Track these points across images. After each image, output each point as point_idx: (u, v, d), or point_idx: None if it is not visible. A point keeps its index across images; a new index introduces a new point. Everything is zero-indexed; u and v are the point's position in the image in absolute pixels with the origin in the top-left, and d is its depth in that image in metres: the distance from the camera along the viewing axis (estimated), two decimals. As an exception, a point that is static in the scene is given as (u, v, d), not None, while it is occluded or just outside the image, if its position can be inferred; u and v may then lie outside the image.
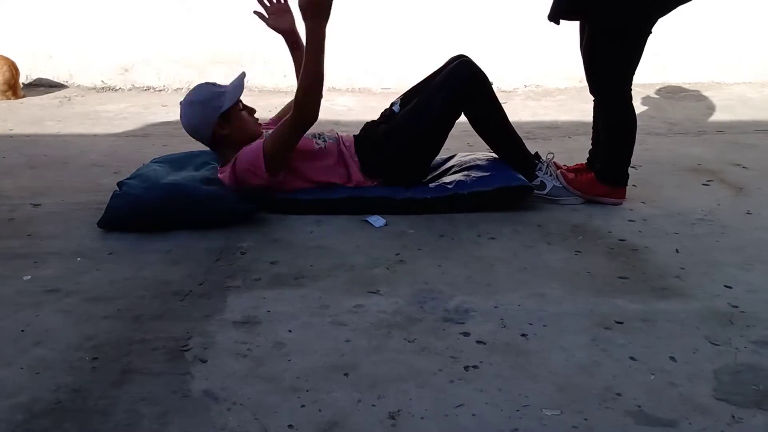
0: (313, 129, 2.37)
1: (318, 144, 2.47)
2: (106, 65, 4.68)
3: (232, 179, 2.36)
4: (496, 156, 2.61)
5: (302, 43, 2.36)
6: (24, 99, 4.34)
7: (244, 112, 2.44)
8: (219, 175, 2.43)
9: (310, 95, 2.23)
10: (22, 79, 4.50)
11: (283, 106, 2.78)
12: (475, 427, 1.31)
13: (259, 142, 2.35)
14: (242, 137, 2.40)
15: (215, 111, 2.36)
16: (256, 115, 2.51)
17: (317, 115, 2.26)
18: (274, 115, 2.81)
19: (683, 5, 2.31)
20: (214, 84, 2.46)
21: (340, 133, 2.60)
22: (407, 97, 2.64)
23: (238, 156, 2.35)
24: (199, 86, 2.44)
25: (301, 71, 2.21)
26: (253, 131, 2.45)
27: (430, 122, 2.45)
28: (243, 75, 2.44)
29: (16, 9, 4.58)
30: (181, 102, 2.43)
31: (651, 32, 2.34)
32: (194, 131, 2.42)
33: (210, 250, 2.09)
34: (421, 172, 2.54)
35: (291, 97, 4.50)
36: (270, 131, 2.43)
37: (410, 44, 4.54)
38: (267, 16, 2.59)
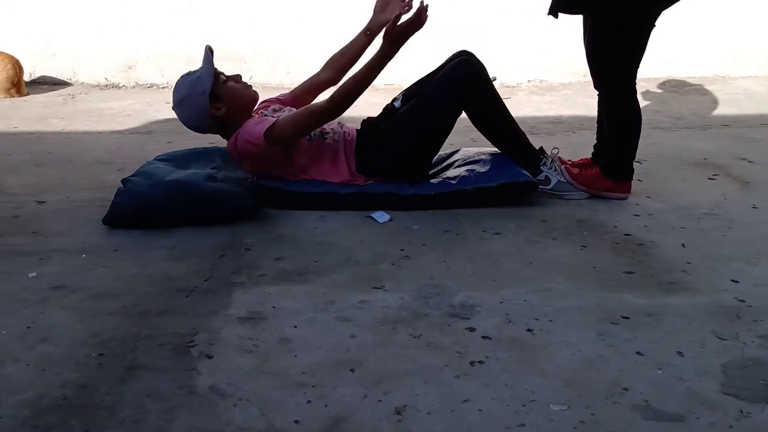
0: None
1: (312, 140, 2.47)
2: (109, 63, 4.68)
3: (233, 148, 2.40)
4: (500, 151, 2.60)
5: (373, 37, 2.55)
6: (28, 97, 4.35)
7: (229, 83, 2.44)
8: (227, 147, 2.48)
9: (351, 97, 2.32)
10: (26, 77, 4.51)
11: (300, 84, 2.76)
12: (482, 423, 1.31)
13: (265, 119, 2.37)
14: (239, 107, 2.42)
15: (203, 97, 2.36)
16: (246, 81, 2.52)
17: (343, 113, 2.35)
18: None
19: None
20: (188, 73, 2.44)
21: (345, 128, 2.58)
22: (408, 93, 2.63)
23: (243, 126, 2.38)
24: (177, 84, 2.44)
25: (356, 76, 2.31)
26: (246, 96, 2.46)
27: (431, 121, 2.44)
28: (207, 48, 2.43)
29: (20, 7, 4.58)
30: (172, 108, 2.45)
31: (654, 25, 2.33)
32: (197, 126, 2.45)
33: (215, 247, 2.09)
34: (422, 171, 2.53)
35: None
36: (273, 107, 2.50)
37: (413, 39, 4.52)
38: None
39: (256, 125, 2.37)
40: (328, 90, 2.58)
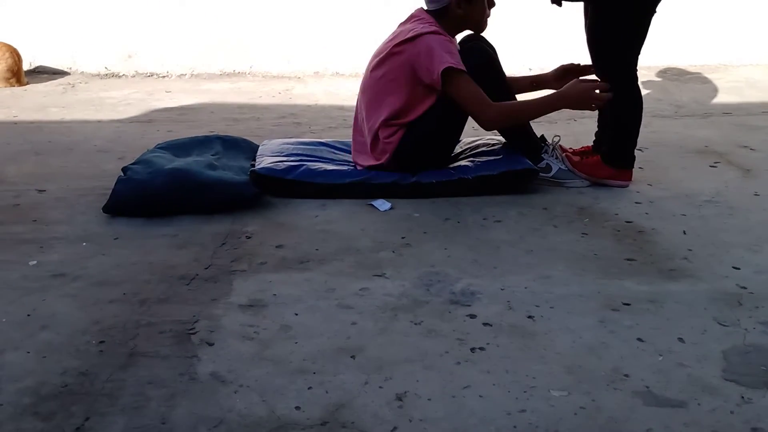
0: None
1: None
2: (109, 52, 4.66)
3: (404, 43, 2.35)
4: (502, 139, 2.60)
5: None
6: (28, 86, 4.33)
7: (485, 1, 2.43)
8: (403, 27, 2.43)
9: (503, 125, 2.46)
10: (26, 66, 4.49)
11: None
12: (482, 409, 1.31)
13: (459, 63, 2.32)
14: (470, 24, 2.44)
15: None
16: None
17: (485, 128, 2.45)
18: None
19: None
20: None
21: None
22: None
23: (439, 41, 2.33)
24: None
25: (523, 111, 2.43)
26: (480, 23, 2.46)
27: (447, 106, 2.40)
28: None
29: (19, -4, 4.56)
30: None
31: (655, 12, 2.31)
32: None
33: (215, 235, 2.09)
34: (445, 155, 2.52)
35: (295, 83, 4.48)
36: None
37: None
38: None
39: (448, 53, 2.30)
40: None
